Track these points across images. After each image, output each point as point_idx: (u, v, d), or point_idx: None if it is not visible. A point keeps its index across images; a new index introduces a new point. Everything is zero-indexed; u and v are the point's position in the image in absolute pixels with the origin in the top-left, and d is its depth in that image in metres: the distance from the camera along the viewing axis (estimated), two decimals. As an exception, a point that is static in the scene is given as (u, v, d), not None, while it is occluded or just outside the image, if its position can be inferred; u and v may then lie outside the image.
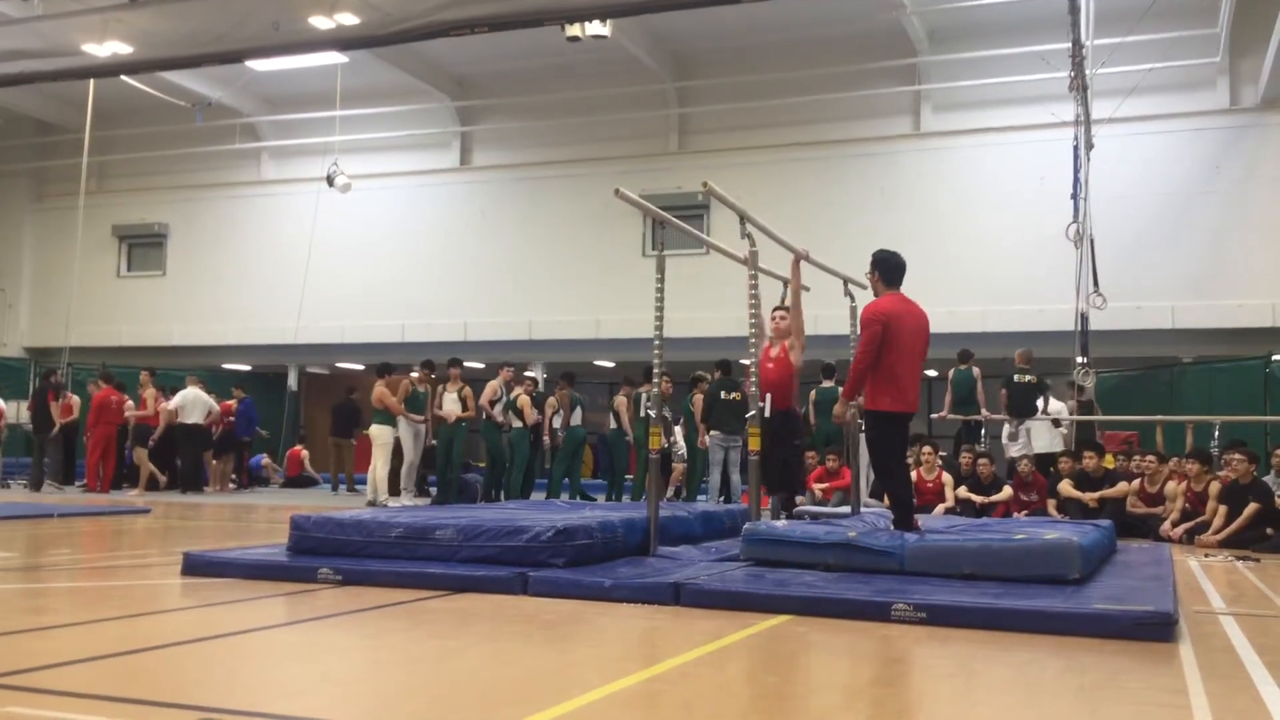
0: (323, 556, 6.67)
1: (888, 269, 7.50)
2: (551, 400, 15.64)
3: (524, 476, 14.95)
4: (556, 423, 15.46)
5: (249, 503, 15.57)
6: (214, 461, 18.03)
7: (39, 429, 17.30)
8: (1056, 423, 14.25)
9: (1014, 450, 13.94)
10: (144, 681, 3.84)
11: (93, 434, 17.08)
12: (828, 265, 9.60)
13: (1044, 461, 13.05)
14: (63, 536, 9.72)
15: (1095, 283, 14.43)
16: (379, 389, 14.50)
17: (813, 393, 14.20)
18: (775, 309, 8.92)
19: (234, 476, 18.71)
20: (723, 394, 13.68)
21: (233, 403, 18.50)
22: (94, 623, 5.04)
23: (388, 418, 14.48)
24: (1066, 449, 13.30)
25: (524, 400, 14.88)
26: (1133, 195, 17.59)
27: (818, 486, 13.20)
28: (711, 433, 13.84)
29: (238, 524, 11.76)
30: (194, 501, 15.48)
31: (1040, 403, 14.32)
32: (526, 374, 16.73)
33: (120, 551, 8.85)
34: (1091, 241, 14.55)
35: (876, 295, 7.55)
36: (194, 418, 17.16)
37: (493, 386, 14.84)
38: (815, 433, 14.04)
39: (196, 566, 6.66)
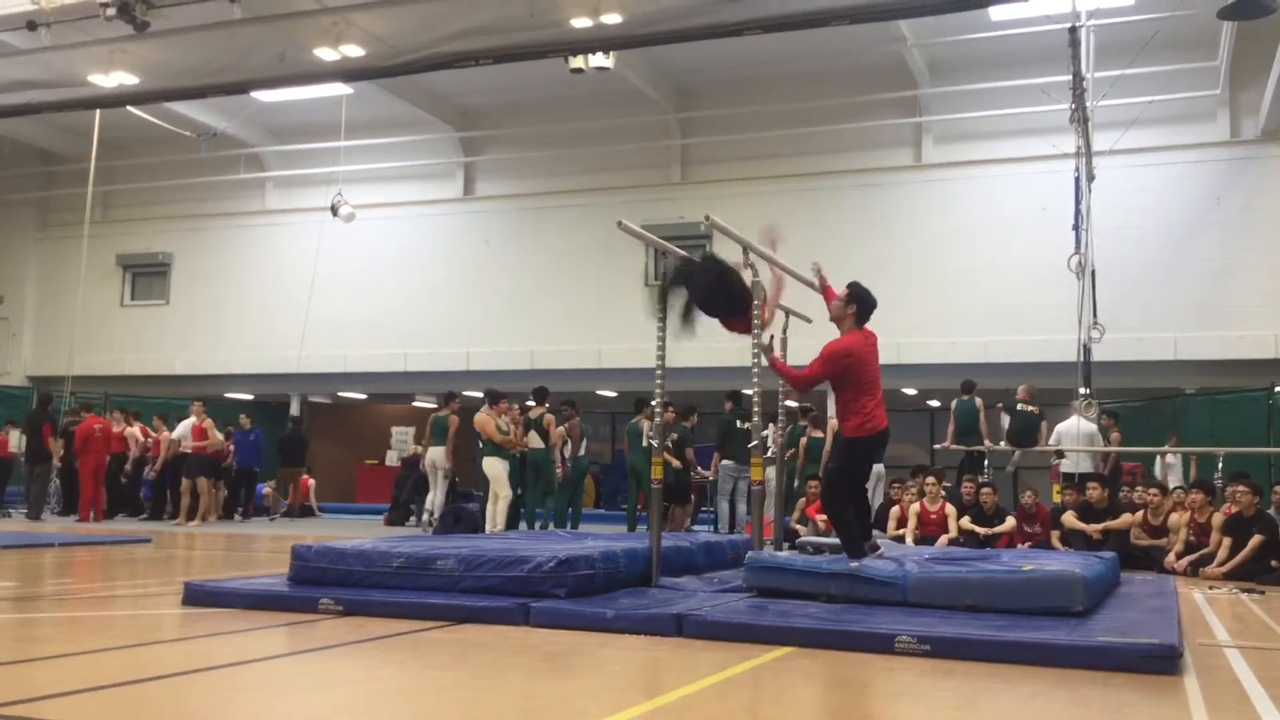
0: (324, 586, 6.65)
1: (866, 308, 7.44)
2: (561, 430, 15.56)
3: (517, 505, 14.69)
4: (567, 452, 15.37)
5: (232, 533, 15.52)
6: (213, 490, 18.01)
7: (32, 460, 17.23)
8: (1060, 454, 14.21)
9: (1066, 466, 13.96)
10: (145, 712, 3.83)
11: (81, 464, 16.97)
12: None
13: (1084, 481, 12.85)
14: (64, 566, 9.70)
15: (1094, 314, 14.46)
16: (481, 417, 13.96)
17: (834, 421, 14.13)
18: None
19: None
20: (738, 424, 13.65)
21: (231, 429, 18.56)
22: (95, 652, 5.02)
23: (496, 448, 13.87)
24: (1097, 472, 13.31)
25: (549, 419, 14.64)
26: (1134, 226, 17.63)
27: (820, 518, 13.16)
28: (724, 462, 13.83)
29: (239, 553, 11.73)
30: (194, 530, 15.45)
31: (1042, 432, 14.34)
32: (528, 404, 16.67)
33: (121, 581, 8.82)
34: (1093, 273, 14.60)
35: (840, 325, 7.45)
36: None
37: (481, 420, 14.73)
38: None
39: (197, 596, 6.64)
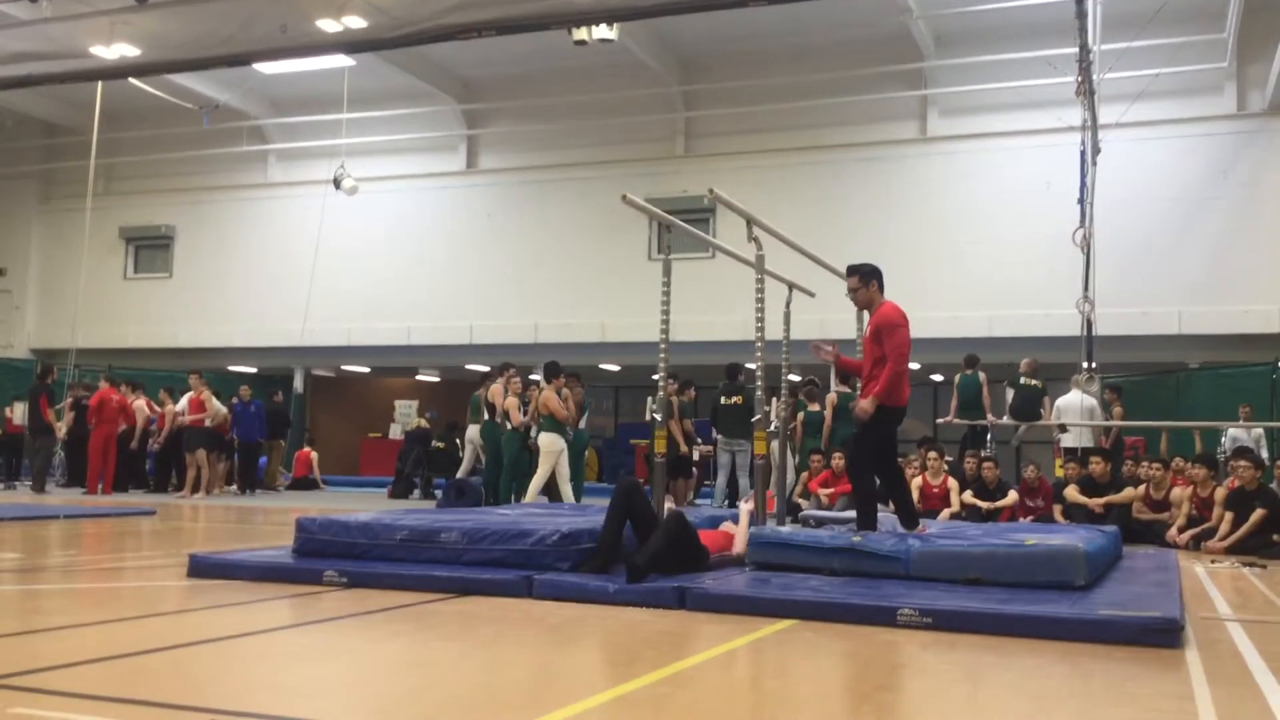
0: (329, 559, 6.67)
1: (882, 278, 7.51)
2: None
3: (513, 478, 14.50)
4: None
5: (236, 505, 15.57)
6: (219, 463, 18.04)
7: (33, 432, 17.25)
8: (1063, 428, 14.23)
9: (1067, 441, 13.93)
10: (150, 683, 3.85)
11: (94, 435, 16.96)
12: (833, 267, 9.59)
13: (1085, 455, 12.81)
14: (69, 538, 9.74)
15: (1085, 287, 14.41)
16: (548, 393, 13.54)
17: (832, 395, 14.16)
18: None
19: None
20: (723, 399, 13.77)
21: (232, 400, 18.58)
22: (101, 624, 5.05)
23: (554, 424, 13.41)
24: (1098, 447, 13.32)
25: (568, 394, 14.42)
26: (1139, 200, 17.58)
27: (823, 491, 13.19)
28: (716, 437, 13.91)
29: (244, 526, 11.78)
30: (198, 503, 15.50)
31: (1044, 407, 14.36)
32: (531, 376, 16.69)
33: (126, 553, 8.86)
34: (1088, 247, 14.54)
35: (873, 303, 7.46)
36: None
37: (495, 391, 14.79)
38: (832, 438, 14.04)
39: (202, 568, 6.67)
